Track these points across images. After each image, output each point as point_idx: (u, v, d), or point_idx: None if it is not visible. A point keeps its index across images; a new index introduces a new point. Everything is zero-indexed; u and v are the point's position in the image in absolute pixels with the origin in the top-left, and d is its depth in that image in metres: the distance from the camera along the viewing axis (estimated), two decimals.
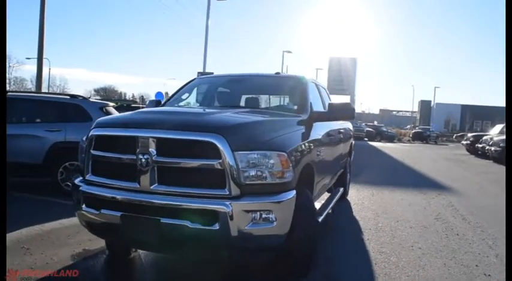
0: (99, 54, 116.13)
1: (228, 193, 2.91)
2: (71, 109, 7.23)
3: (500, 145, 17.17)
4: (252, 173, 2.96)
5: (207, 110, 3.78)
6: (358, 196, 8.15)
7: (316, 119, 4.27)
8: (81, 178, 3.47)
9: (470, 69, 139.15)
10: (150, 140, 3.02)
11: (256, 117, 3.56)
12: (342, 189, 6.44)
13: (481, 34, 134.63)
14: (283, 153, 3.09)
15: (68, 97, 7.76)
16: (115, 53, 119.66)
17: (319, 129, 4.35)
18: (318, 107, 4.74)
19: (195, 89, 5.06)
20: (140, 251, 4.21)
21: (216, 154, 2.91)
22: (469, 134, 25.89)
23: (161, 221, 2.95)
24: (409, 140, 44.42)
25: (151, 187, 3.02)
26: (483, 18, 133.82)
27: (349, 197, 7.84)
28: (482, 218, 6.73)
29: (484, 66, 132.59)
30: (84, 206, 3.27)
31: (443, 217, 6.72)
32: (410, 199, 8.28)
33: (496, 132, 22.30)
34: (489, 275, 4.06)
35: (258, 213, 2.95)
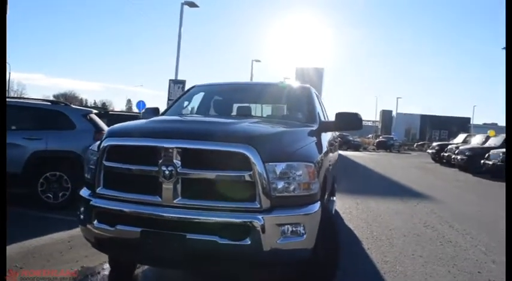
0: (59, 60, 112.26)
1: (258, 206, 2.79)
2: (53, 116, 6.82)
3: (466, 153, 17.94)
4: (281, 185, 2.86)
5: (228, 120, 3.62)
6: (344, 205, 8.18)
7: (324, 129, 4.24)
8: (88, 191, 3.24)
9: (430, 81, 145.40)
10: (175, 150, 2.85)
11: (279, 128, 3.46)
12: (335, 198, 6.45)
13: (443, 47, 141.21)
14: (311, 164, 3.02)
15: (49, 103, 7.35)
16: (75, 59, 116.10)
17: (326, 139, 4.33)
18: (321, 116, 4.72)
19: (196, 97, 4.91)
20: (145, 267, 3.99)
21: (246, 165, 2.79)
22: (434, 143, 26.90)
23: (187, 237, 2.78)
24: (373, 149, 45.64)
25: (175, 201, 2.85)
26: (445, 30, 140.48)
27: (335, 207, 7.87)
28: (467, 225, 6.93)
29: (444, 78, 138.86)
30: (96, 222, 3.04)
31: (431, 224, 6.87)
32: (395, 207, 8.43)
33: (459, 141, 23.33)
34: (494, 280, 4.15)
35: (288, 226, 2.85)
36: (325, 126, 4.27)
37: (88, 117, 6.96)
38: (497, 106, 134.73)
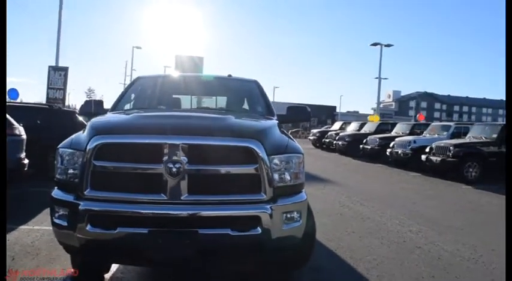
0: None
1: (264, 196, 2.91)
2: None
3: (346, 139, 20.10)
4: (280, 176, 3.03)
5: (218, 115, 3.58)
6: None
7: (281, 121, 4.48)
8: (68, 194, 2.95)
9: (305, 71, 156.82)
10: (182, 147, 2.79)
11: (266, 122, 3.59)
12: None
13: (318, 40, 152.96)
14: (301, 155, 3.24)
15: None
16: None
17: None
18: None
19: (143, 89, 4.66)
20: (114, 271, 3.77)
21: (252, 159, 2.88)
22: (315, 130, 29.37)
23: (199, 232, 2.78)
24: None
25: (182, 198, 2.80)
26: (320, 25, 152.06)
27: None
28: (373, 202, 7.97)
29: (316, 68, 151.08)
30: (89, 226, 2.80)
31: (345, 204, 7.72)
32: (307, 191, 9.15)
33: (337, 128, 25.93)
34: (421, 247, 4.96)
35: (290, 214, 3.05)
36: (281, 119, 4.52)
37: None
38: (359, 95, 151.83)
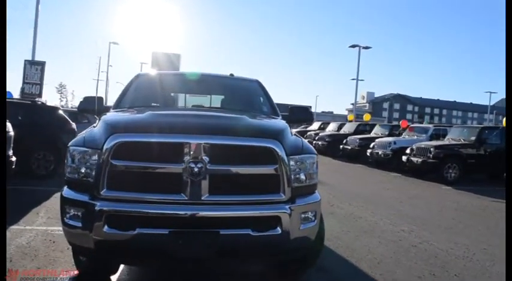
0: None
1: (283, 197, 2.92)
2: None
3: (326, 139, 20.33)
4: (298, 176, 3.05)
5: (236, 115, 3.53)
6: None
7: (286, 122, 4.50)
8: (82, 194, 2.86)
9: (280, 70, 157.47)
10: (203, 146, 2.76)
11: (280, 123, 3.59)
12: None
13: (290, 36, 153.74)
14: (315, 155, 3.28)
15: None
16: None
17: None
18: None
19: (148, 88, 4.57)
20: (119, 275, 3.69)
21: (273, 159, 2.88)
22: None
23: (220, 233, 2.75)
24: None
25: (203, 198, 2.77)
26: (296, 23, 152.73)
27: None
28: (361, 201, 8.11)
29: (292, 67, 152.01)
30: (106, 227, 2.73)
31: (335, 204, 7.80)
32: None
33: (315, 128, 26.18)
34: (416, 246, 5.09)
35: (306, 214, 3.07)
36: (286, 120, 4.52)
37: None
38: (334, 96, 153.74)
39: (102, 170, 2.77)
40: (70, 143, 3.07)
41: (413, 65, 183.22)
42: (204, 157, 2.75)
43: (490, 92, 62.39)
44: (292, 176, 3.01)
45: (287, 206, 2.91)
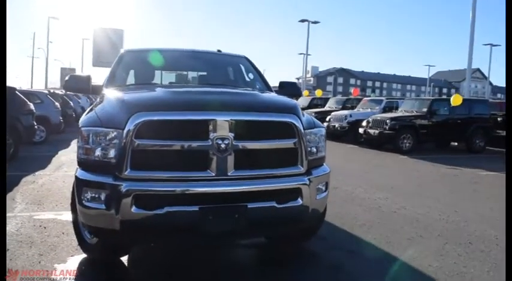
0: None
1: (302, 169, 3.04)
2: None
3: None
4: (312, 149, 3.19)
5: (251, 91, 3.52)
6: None
7: None
8: (102, 175, 2.78)
9: (226, 44, 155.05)
10: (229, 123, 2.77)
11: (290, 98, 3.65)
12: None
13: (236, 11, 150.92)
14: (324, 128, 3.42)
15: None
16: None
17: None
18: None
19: (141, 65, 4.40)
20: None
21: (292, 133, 2.97)
22: None
23: (248, 206, 2.82)
24: None
25: (229, 173, 2.81)
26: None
27: None
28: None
29: (237, 41, 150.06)
30: (134, 208, 2.68)
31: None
32: None
33: None
34: (396, 211, 5.46)
35: (321, 185, 3.23)
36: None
37: None
38: (279, 71, 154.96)
39: (125, 150, 2.70)
40: (82, 124, 2.95)
41: (354, 39, 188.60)
42: (229, 133, 2.78)
43: (429, 66, 66.19)
44: (310, 149, 3.15)
45: (306, 178, 3.05)
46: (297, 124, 2.99)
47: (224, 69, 4.79)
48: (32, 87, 35.70)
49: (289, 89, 4.65)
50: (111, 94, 3.29)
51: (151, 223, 2.75)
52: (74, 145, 12.08)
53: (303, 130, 3.03)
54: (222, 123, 2.76)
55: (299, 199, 3.00)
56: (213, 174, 2.79)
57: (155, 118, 2.74)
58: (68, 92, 18.64)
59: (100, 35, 60.93)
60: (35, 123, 9.15)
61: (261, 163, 2.95)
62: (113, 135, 2.76)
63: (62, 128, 14.00)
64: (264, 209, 2.89)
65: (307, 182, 3.03)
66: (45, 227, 4.30)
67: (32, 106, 8.76)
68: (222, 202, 2.81)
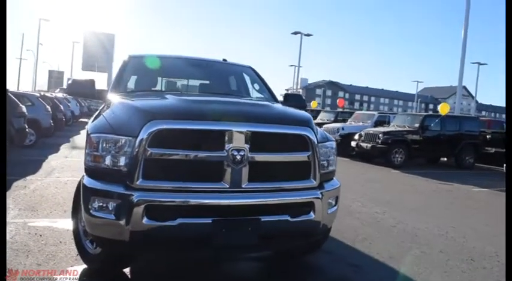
0: None
1: (314, 183, 3.01)
2: None
3: None
4: (324, 162, 3.16)
5: (264, 102, 3.48)
6: None
7: None
8: (113, 185, 2.70)
9: (219, 54, 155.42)
10: (245, 134, 2.73)
11: (303, 111, 3.63)
12: None
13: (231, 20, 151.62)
14: (335, 142, 3.41)
15: None
16: None
17: None
18: None
19: (146, 71, 4.33)
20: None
21: (306, 146, 2.94)
22: None
23: (262, 220, 2.76)
24: None
25: (244, 185, 2.75)
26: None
27: None
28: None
29: (231, 52, 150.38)
30: (145, 219, 2.61)
31: None
32: None
33: None
34: (395, 226, 5.46)
35: (332, 199, 3.20)
36: None
37: None
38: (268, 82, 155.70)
39: (137, 158, 2.63)
40: (92, 130, 2.87)
41: (344, 53, 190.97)
42: (245, 145, 2.74)
43: (417, 82, 67.25)
44: (323, 163, 3.13)
45: (318, 192, 3.01)
46: (311, 137, 2.96)
47: (229, 79, 4.76)
48: (18, 89, 35.13)
49: (294, 100, 4.63)
50: (121, 100, 3.23)
51: (162, 234, 2.67)
52: (63, 149, 11.87)
53: (316, 143, 3.01)
54: (239, 134, 2.72)
55: (311, 213, 2.96)
56: (227, 186, 2.73)
57: (171, 127, 2.67)
58: (57, 95, 18.39)
59: (91, 39, 60.40)
60: (27, 126, 8.96)
61: (275, 175, 2.90)
62: (124, 143, 2.68)
63: (52, 131, 13.75)
64: (278, 222, 2.84)
65: (320, 196, 3.00)
66: (41, 235, 4.17)
67: (24, 109, 8.58)
68: (236, 214, 2.75)
